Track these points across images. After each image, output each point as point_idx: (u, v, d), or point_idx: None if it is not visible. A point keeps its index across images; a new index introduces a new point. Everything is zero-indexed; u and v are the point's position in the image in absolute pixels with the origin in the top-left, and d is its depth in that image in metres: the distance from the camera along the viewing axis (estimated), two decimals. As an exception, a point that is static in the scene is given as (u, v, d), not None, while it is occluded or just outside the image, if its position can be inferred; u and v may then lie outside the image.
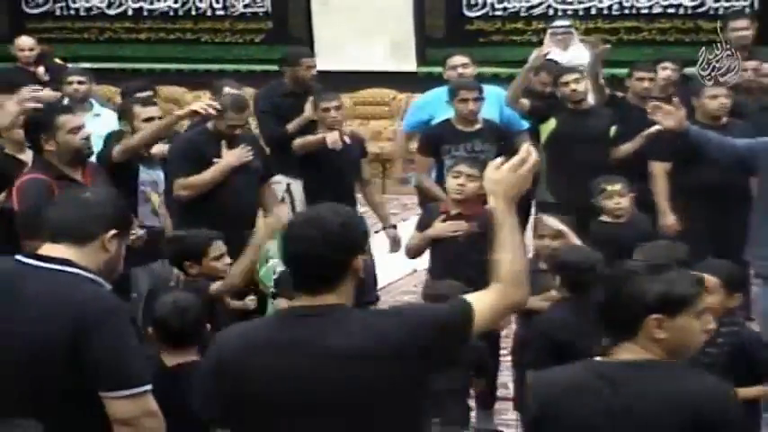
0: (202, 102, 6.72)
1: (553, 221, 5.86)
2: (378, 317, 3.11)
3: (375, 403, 2.89)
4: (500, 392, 6.20)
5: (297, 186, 7.71)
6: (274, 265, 6.31)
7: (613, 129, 7.40)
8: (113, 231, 3.33)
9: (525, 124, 7.80)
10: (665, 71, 7.76)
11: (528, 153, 3.09)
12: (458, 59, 8.04)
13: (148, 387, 3.21)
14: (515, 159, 3.06)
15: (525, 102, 7.59)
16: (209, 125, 6.70)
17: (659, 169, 6.95)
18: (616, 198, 6.37)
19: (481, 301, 3.00)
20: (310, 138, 7.38)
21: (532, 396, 3.09)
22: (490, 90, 7.87)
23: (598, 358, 3.01)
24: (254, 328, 3.22)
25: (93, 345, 3.15)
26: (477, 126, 7.30)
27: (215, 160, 6.53)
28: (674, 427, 2.82)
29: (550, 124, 7.53)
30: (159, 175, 6.50)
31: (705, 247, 6.05)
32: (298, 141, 7.41)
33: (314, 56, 8.61)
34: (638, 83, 7.66)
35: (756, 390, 4.78)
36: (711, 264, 4.55)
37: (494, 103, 7.73)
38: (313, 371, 2.89)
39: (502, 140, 7.26)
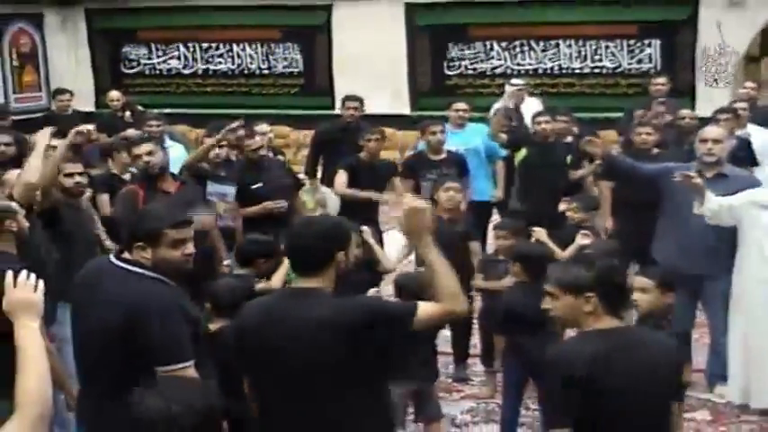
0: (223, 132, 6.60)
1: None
2: (344, 300, 2.92)
3: (333, 363, 2.81)
4: (471, 351, 6.18)
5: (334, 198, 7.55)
6: None
7: (569, 157, 7.28)
8: (138, 243, 3.24)
9: (503, 153, 7.74)
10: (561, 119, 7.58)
11: (412, 203, 2.95)
12: (460, 105, 7.97)
13: (187, 364, 3.10)
14: (409, 210, 2.92)
15: (503, 136, 7.55)
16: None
17: (604, 186, 6.93)
18: (570, 213, 6.14)
19: (426, 308, 2.88)
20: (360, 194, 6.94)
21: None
22: (476, 126, 7.90)
23: None
24: (264, 301, 3.15)
25: (142, 330, 3.09)
26: (443, 155, 7.17)
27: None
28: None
29: (522, 152, 7.44)
30: (228, 189, 6.40)
31: (632, 245, 6.02)
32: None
33: (356, 100, 8.43)
34: (537, 126, 7.37)
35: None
36: (647, 269, 4.35)
37: (479, 135, 7.74)
38: (291, 337, 2.84)
39: (460, 166, 7.15)
